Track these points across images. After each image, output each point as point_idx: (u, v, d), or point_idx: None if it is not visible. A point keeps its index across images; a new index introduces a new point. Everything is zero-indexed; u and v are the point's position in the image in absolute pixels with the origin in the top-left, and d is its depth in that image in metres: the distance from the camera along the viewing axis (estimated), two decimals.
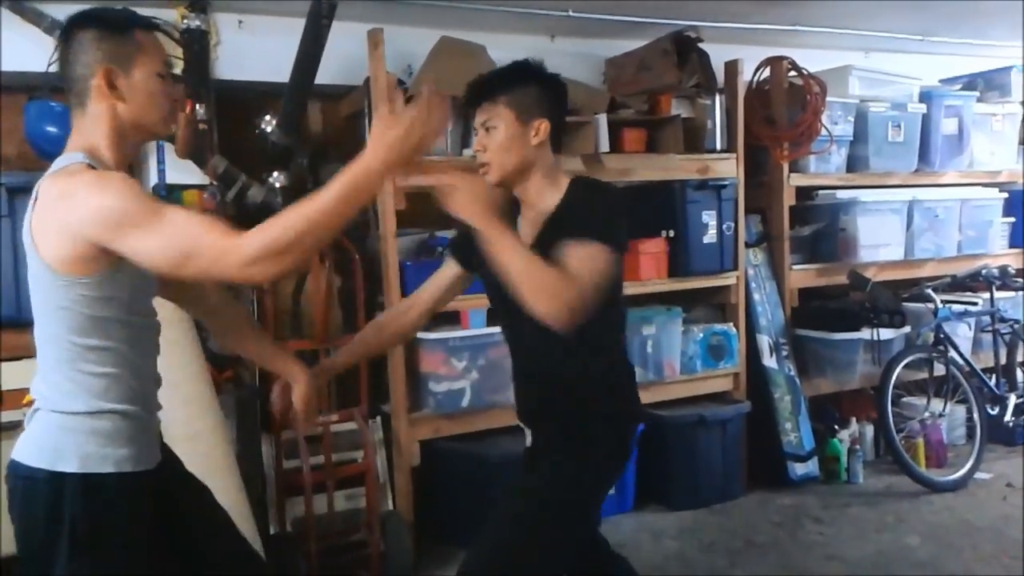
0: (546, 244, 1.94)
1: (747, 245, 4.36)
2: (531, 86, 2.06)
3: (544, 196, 2.08)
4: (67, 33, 1.68)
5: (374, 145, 1.56)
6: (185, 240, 1.50)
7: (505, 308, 2.05)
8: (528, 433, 2.22)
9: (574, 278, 1.83)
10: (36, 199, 1.61)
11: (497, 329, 3.52)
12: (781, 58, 4.29)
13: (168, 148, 3.35)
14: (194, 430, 2.83)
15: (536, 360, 2.14)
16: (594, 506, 2.17)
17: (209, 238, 1.50)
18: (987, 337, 4.84)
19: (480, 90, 2.08)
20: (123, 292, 1.64)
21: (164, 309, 2.83)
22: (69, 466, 1.60)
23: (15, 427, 2.75)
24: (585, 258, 1.87)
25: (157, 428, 1.80)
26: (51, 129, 3.09)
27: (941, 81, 5.22)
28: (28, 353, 2.88)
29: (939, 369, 4.52)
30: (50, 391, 1.66)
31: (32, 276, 1.64)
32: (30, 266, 1.64)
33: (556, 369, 2.09)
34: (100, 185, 1.54)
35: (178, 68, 3.39)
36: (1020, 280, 4.86)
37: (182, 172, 3.44)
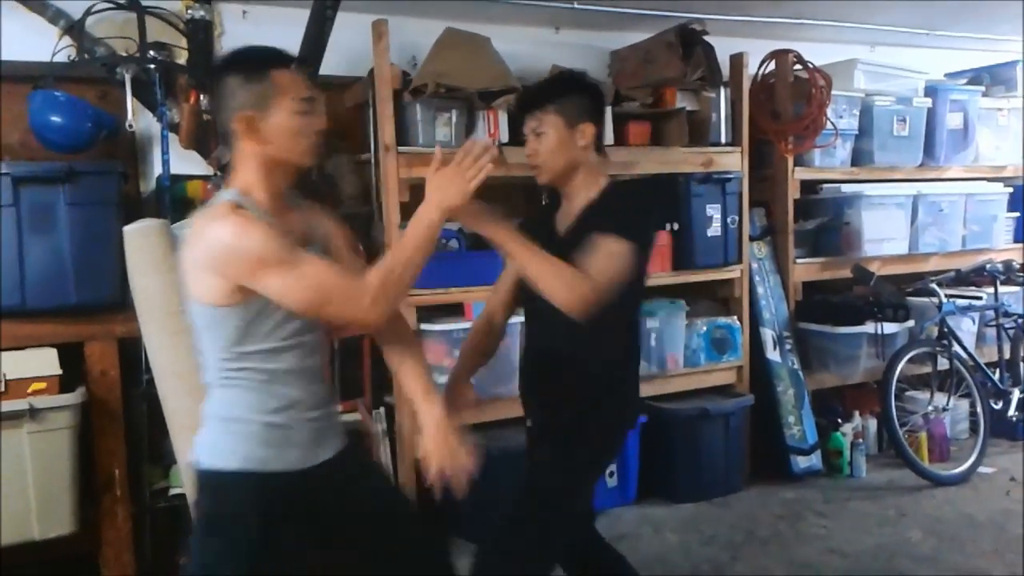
0: (578, 236, 2.11)
1: (751, 239, 4.36)
2: (575, 95, 2.24)
3: (583, 193, 2.24)
4: (215, 79, 1.78)
5: (430, 197, 1.77)
6: (323, 285, 1.67)
7: (527, 294, 2.19)
8: (528, 418, 2.37)
9: (589, 272, 1.99)
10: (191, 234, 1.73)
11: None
12: (786, 51, 4.28)
13: (172, 138, 3.35)
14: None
15: (547, 341, 2.27)
16: (586, 491, 2.32)
17: (344, 283, 1.68)
18: (991, 332, 4.83)
19: (530, 100, 2.27)
20: (267, 320, 1.73)
21: (169, 299, 2.87)
22: (205, 462, 1.80)
23: (19, 416, 2.79)
24: (608, 253, 2.04)
25: (308, 434, 1.84)
26: (55, 119, 3.07)
27: (946, 75, 5.21)
28: (30, 343, 2.92)
29: (943, 363, 4.51)
30: (208, 398, 1.84)
31: (190, 307, 1.77)
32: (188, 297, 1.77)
33: (566, 350, 2.21)
34: (241, 229, 1.64)
35: (182, 59, 3.39)
36: None
37: (186, 162, 3.44)
